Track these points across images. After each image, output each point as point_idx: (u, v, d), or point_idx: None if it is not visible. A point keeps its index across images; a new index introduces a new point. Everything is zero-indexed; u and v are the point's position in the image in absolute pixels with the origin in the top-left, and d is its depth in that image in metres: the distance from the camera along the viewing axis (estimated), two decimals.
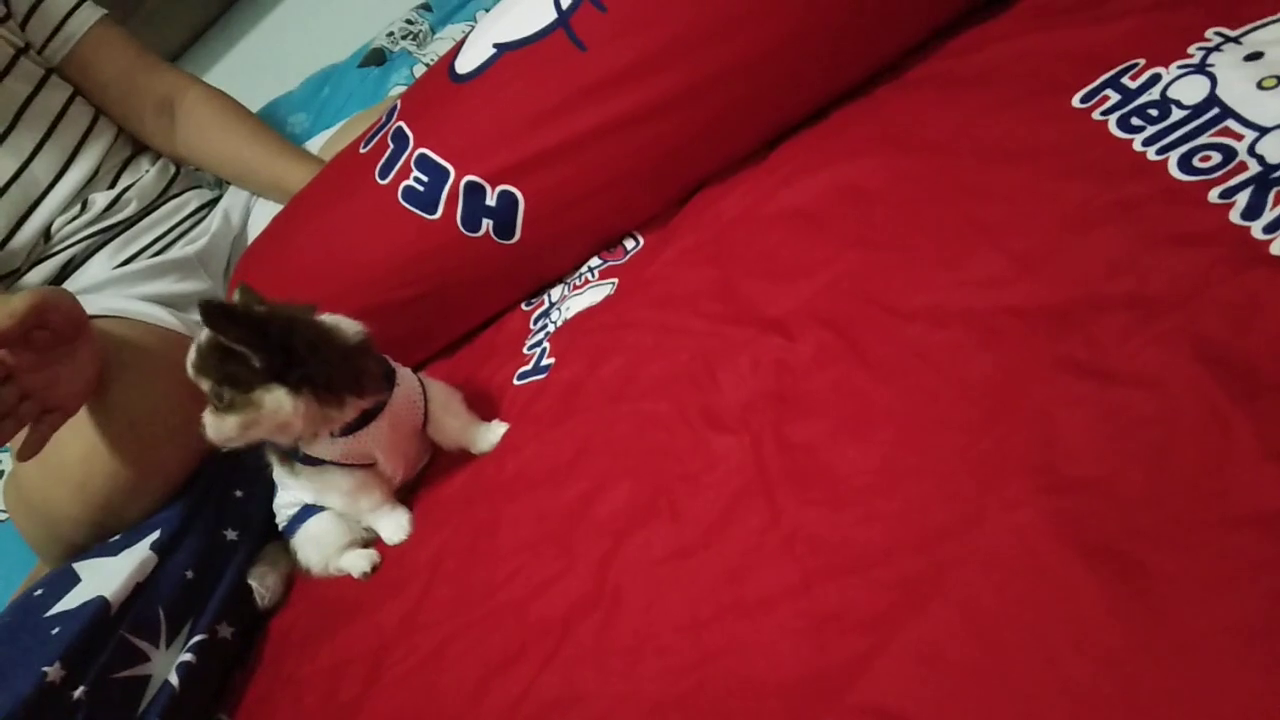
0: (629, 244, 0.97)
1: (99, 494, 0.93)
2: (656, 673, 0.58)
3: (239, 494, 0.99)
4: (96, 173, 1.20)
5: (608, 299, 0.91)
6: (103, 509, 0.93)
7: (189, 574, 0.88)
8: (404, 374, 0.85)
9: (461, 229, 0.94)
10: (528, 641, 0.66)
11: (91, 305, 1.05)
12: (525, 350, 0.95)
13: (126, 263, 1.20)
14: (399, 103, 1.03)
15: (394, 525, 0.86)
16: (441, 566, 0.78)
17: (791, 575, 0.57)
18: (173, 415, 0.94)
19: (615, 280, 0.93)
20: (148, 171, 1.24)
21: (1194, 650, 0.43)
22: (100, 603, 0.81)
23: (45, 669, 0.75)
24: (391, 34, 1.56)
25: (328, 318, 0.80)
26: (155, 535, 0.89)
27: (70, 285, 1.19)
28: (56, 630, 0.78)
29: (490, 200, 0.92)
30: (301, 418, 0.76)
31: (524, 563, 0.72)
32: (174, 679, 0.81)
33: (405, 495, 0.90)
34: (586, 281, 0.96)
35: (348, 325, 0.80)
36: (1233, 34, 0.66)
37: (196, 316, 1.19)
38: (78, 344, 0.87)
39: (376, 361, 0.83)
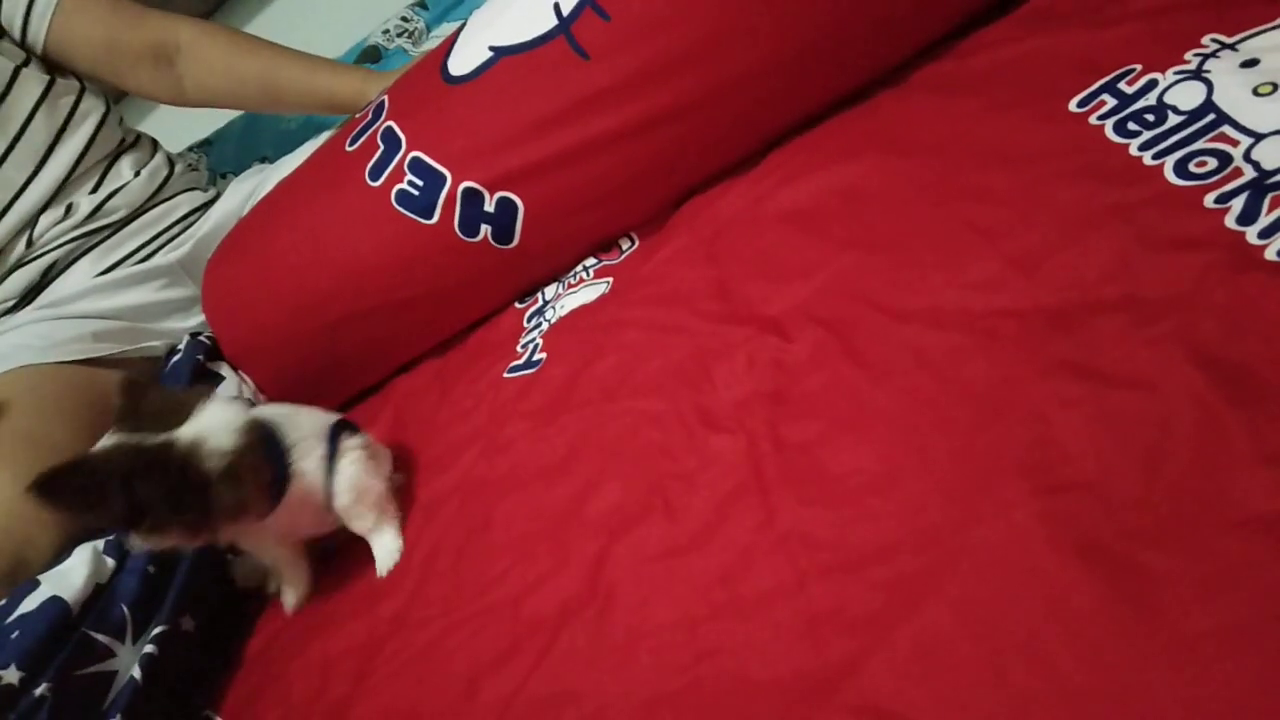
0: (624, 244, 0.97)
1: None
2: (650, 671, 0.58)
3: None
4: (74, 171, 1.17)
5: (602, 297, 0.91)
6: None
7: (150, 569, 0.87)
8: (306, 468, 0.78)
9: (459, 234, 0.93)
10: (520, 639, 0.65)
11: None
12: (518, 348, 0.95)
13: (109, 270, 1.19)
14: (386, 100, 1.02)
15: (384, 553, 0.83)
16: (434, 563, 0.78)
17: (786, 574, 0.57)
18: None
19: (610, 279, 0.93)
20: (136, 176, 1.22)
21: (1187, 651, 0.43)
22: (58, 603, 0.81)
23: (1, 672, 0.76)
24: (387, 31, 1.56)
25: (208, 425, 0.73)
26: (109, 535, 0.89)
27: (51, 292, 1.17)
28: (15, 634, 0.79)
29: (489, 206, 0.92)
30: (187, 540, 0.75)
31: (517, 560, 0.71)
32: (136, 672, 0.81)
33: (398, 494, 0.90)
34: (581, 280, 0.96)
35: (224, 438, 0.73)
36: (1229, 40, 0.66)
37: (179, 324, 1.21)
38: None
39: (255, 478, 0.75)
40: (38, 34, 1.18)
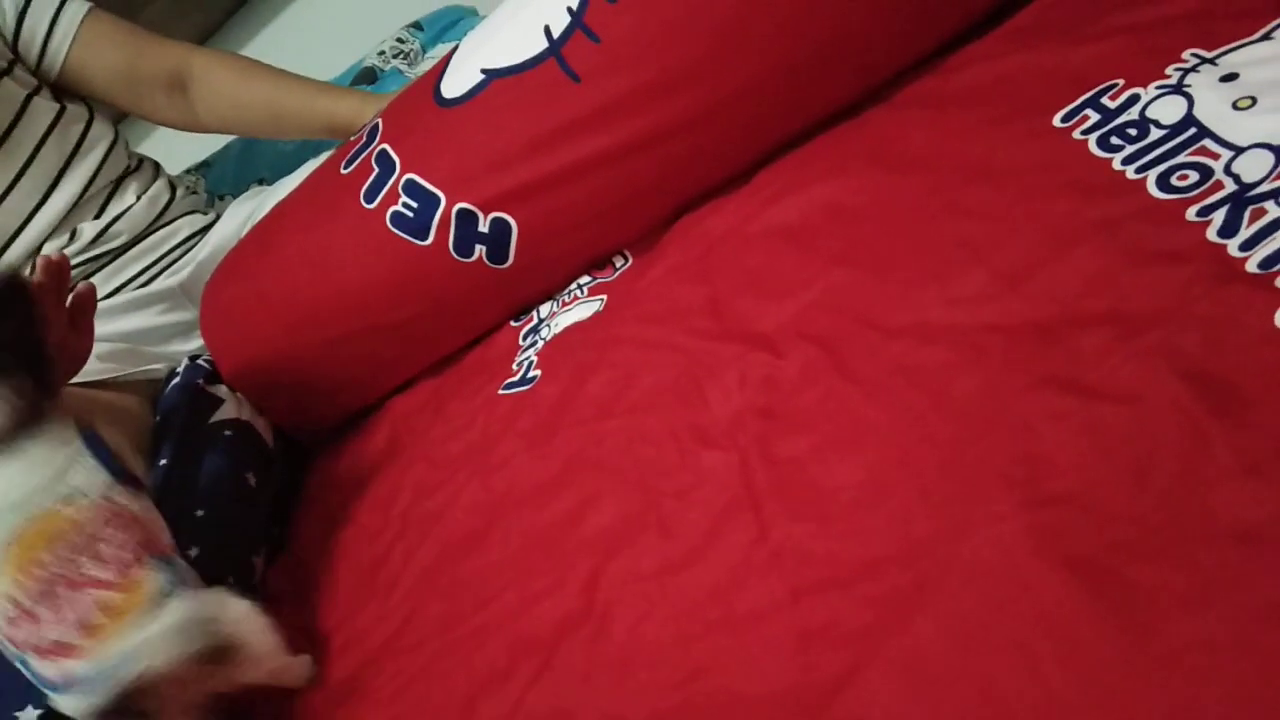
0: (618, 261, 0.97)
1: None
2: (645, 688, 0.58)
3: (200, 514, 0.98)
4: (81, 198, 1.17)
5: (596, 315, 0.92)
6: None
7: None
8: None
9: (454, 255, 0.94)
10: (517, 658, 0.66)
11: None
12: (513, 366, 0.96)
13: (111, 295, 1.19)
14: (380, 123, 1.02)
15: None
16: (430, 583, 0.78)
17: (779, 590, 0.57)
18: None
19: (604, 297, 0.94)
20: (138, 200, 1.22)
21: (1174, 662, 0.43)
22: None
23: (17, 714, 0.75)
24: (383, 52, 1.57)
25: None
26: None
27: None
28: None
29: (483, 227, 0.92)
30: None
31: (511, 579, 0.72)
32: None
33: None
34: (575, 298, 0.97)
35: None
36: (1209, 55, 0.67)
37: (181, 347, 1.21)
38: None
39: None
40: (55, 58, 1.18)
